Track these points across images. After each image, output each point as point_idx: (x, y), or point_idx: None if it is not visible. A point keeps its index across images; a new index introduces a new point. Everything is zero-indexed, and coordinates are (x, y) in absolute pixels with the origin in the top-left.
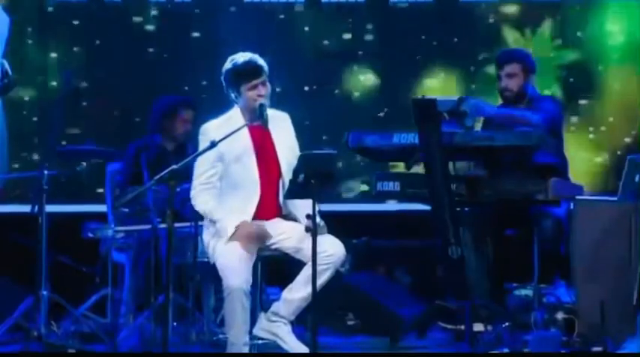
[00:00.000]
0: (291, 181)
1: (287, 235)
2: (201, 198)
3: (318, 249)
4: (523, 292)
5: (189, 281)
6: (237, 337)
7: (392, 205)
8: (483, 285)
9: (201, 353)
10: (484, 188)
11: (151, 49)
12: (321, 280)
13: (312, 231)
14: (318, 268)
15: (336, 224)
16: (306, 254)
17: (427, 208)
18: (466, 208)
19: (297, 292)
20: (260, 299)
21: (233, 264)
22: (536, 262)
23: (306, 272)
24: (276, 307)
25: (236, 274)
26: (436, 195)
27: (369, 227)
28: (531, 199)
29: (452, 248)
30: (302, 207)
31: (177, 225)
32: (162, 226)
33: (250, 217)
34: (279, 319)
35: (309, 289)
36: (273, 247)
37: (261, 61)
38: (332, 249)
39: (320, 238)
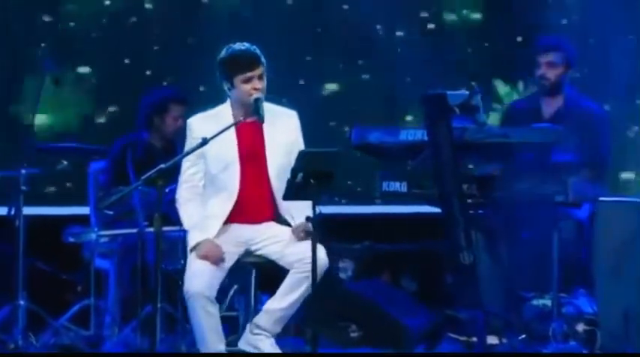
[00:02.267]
0: (288, 181)
1: (272, 240)
2: (182, 201)
3: (298, 255)
4: (541, 301)
5: (179, 289)
6: (208, 347)
7: (398, 207)
8: (497, 293)
9: (196, 354)
10: (498, 188)
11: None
12: (300, 290)
13: (312, 235)
14: (298, 275)
15: (338, 227)
16: (288, 261)
17: (436, 210)
18: (479, 210)
19: (278, 302)
20: (255, 309)
21: (196, 268)
22: (555, 268)
23: (287, 281)
24: (257, 318)
25: (196, 278)
26: (446, 196)
27: (373, 231)
28: (550, 201)
29: (463, 253)
30: (295, 209)
31: (165, 228)
32: (150, 229)
33: (222, 220)
34: (260, 331)
35: (290, 299)
36: (258, 252)
37: (258, 52)
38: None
39: (302, 244)
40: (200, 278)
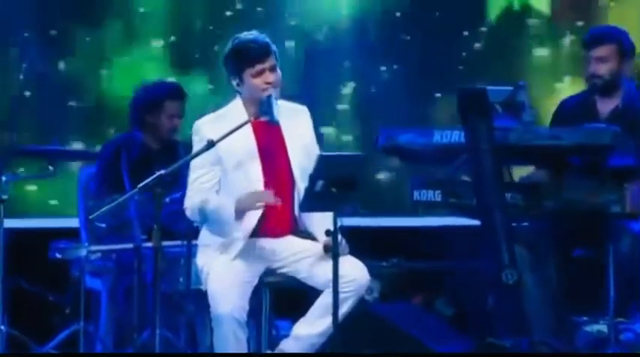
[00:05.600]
0: (307, 190)
1: (299, 256)
2: (193, 206)
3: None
4: (595, 327)
5: (181, 313)
6: None
7: (431, 219)
8: (545, 318)
9: (196, 353)
10: (546, 198)
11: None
12: (340, 312)
13: (333, 251)
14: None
15: (362, 242)
16: (320, 280)
17: (475, 222)
18: (524, 223)
19: (310, 326)
20: (269, 334)
21: (224, 288)
22: (612, 289)
23: (321, 302)
24: (284, 344)
25: (226, 300)
26: (487, 206)
27: (403, 246)
28: (605, 212)
29: (506, 272)
30: (319, 221)
31: (165, 244)
32: (148, 244)
33: (247, 234)
34: None
35: (324, 323)
36: (282, 270)
37: (269, 41)
38: (353, 273)
39: (339, 261)
40: (230, 300)
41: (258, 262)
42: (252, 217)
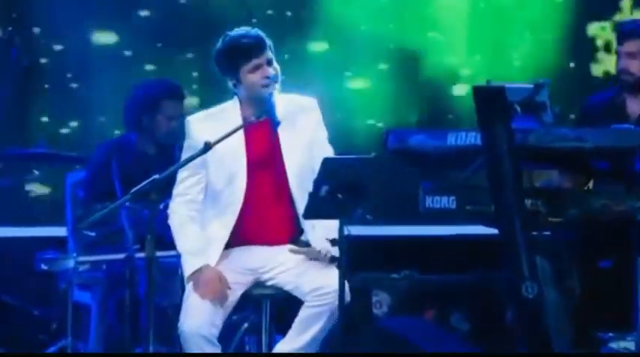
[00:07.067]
0: (310, 195)
1: (286, 266)
2: (176, 217)
3: (312, 285)
4: (622, 343)
5: (176, 328)
6: None
7: (445, 228)
8: (568, 334)
9: (196, 353)
10: (569, 205)
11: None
12: (316, 328)
13: (339, 262)
14: (312, 310)
15: (372, 253)
16: (303, 291)
17: (493, 231)
18: (545, 232)
19: (291, 342)
20: (270, 350)
21: (193, 301)
22: (639, 303)
23: (300, 319)
24: None
25: (193, 315)
26: (505, 214)
27: (415, 257)
28: (633, 220)
29: (526, 285)
30: (321, 229)
31: (159, 254)
32: (141, 255)
33: (223, 243)
34: None
35: (304, 338)
36: (270, 283)
37: (262, 34)
38: (333, 284)
39: (320, 272)
40: (197, 314)
41: (243, 273)
42: (228, 226)
